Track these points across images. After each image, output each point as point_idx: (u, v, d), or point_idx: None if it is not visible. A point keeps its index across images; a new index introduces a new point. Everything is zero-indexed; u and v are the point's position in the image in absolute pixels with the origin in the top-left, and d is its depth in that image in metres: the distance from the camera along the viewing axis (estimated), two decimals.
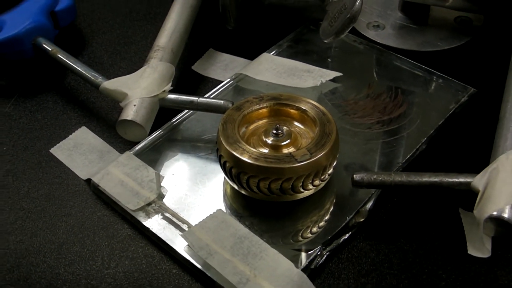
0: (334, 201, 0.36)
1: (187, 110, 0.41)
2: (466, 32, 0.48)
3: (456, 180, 0.33)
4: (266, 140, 0.35)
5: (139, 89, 0.39)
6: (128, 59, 0.48)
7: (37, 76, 0.47)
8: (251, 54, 0.47)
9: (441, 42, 0.47)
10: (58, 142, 0.41)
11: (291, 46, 0.47)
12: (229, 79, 0.44)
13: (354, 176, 0.34)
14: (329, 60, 0.46)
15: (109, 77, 0.42)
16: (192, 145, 0.40)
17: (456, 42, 0.47)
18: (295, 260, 0.32)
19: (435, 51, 0.47)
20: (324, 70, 0.43)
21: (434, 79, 0.43)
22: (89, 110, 0.43)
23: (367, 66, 0.45)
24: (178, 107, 0.40)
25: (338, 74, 0.43)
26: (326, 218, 0.35)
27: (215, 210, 0.34)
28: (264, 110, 0.37)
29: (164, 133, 0.40)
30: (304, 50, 0.46)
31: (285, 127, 0.35)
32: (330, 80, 0.43)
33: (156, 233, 0.34)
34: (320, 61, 0.45)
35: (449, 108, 0.41)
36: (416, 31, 0.49)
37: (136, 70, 0.42)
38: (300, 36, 0.48)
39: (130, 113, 0.37)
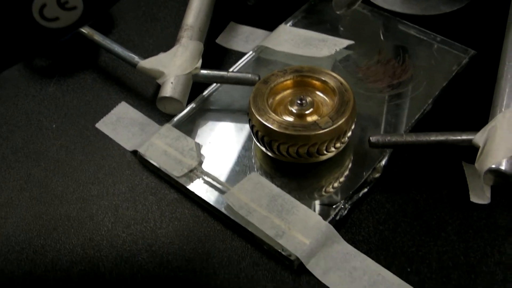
0: (352, 159, 0.41)
1: (215, 83, 0.46)
2: None
3: (459, 137, 0.38)
4: (292, 109, 0.40)
5: (175, 67, 0.43)
6: (156, 36, 0.52)
7: (73, 56, 0.51)
8: (269, 25, 0.51)
9: (443, 5, 0.51)
10: (102, 117, 0.45)
11: (305, 17, 0.51)
12: (251, 51, 0.48)
13: (371, 138, 0.39)
14: (341, 28, 0.50)
15: (140, 54, 0.46)
16: (223, 114, 0.44)
17: (457, 5, 0.51)
18: (322, 213, 0.37)
19: (438, 14, 0.51)
20: (337, 39, 0.47)
21: (438, 43, 0.47)
22: (126, 86, 0.48)
23: (376, 33, 0.49)
24: (209, 81, 0.45)
25: (351, 42, 0.47)
26: (346, 174, 0.40)
27: (250, 173, 0.39)
28: (288, 81, 0.41)
29: (197, 105, 0.45)
30: (317, 20, 0.50)
31: (308, 97, 0.40)
32: (344, 48, 0.47)
33: (200, 196, 0.39)
34: (333, 30, 0.49)
35: (452, 69, 0.45)
36: None
37: (163, 46, 0.47)
38: (313, 7, 0.52)
39: (168, 90, 0.42)
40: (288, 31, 0.49)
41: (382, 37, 0.49)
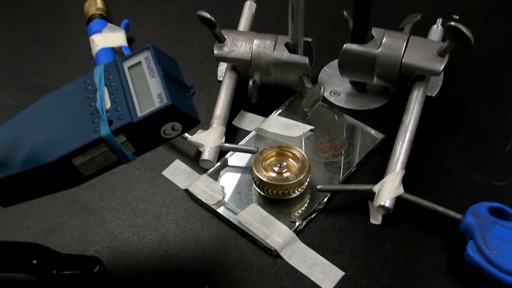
0: (309, 197, 0.72)
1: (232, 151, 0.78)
2: (386, 96, 0.84)
3: (365, 187, 0.70)
4: (275, 169, 0.72)
5: (210, 142, 0.75)
6: None
7: None
8: (265, 112, 0.83)
9: (371, 103, 0.83)
10: (165, 168, 0.77)
11: (287, 109, 0.83)
12: (253, 131, 0.80)
13: (317, 187, 0.71)
14: (308, 118, 0.82)
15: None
16: (236, 169, 0.76)
17: (379, 103, 0.83)
18: (290, 227, 0.69)
19: (367, 109, 0.83)
20: (305, 125, 0.79)
21: (363, 128, 0.79)
22: (178, 149, 0.80)
23: (329, 120, 0.82)
24: (228, 150, 0.77)
25: (312, 127, 0.79)
26: (305, 206, 0.72)
27: (251, 204, 0.71)
28: (273, 153, 0.73)
29: (221, 163, 0.76)
30: (293, 111, 0.82)
31: (284, 163, 0.72)
32: (309, 130, 0.79)
33: (224, 215, 0.71)
34: (303, 118, 0.81)
35: (369, 146, 0.77)
36: (358, 96, 0.85)
37: (203, 128, 0.79)
38: (291, 103, 0.84)
39: (206, 155, 0.74)
40: (275, 119, 0.81)
41: (332, 126, 0.81)
